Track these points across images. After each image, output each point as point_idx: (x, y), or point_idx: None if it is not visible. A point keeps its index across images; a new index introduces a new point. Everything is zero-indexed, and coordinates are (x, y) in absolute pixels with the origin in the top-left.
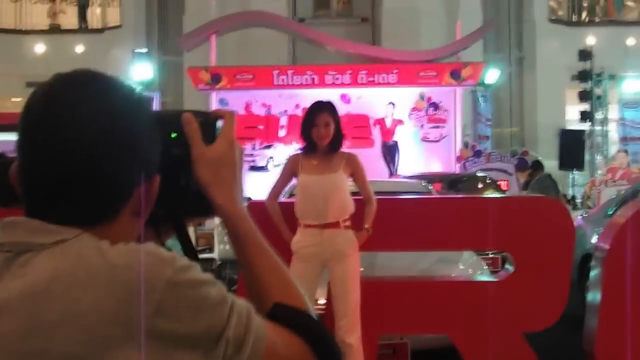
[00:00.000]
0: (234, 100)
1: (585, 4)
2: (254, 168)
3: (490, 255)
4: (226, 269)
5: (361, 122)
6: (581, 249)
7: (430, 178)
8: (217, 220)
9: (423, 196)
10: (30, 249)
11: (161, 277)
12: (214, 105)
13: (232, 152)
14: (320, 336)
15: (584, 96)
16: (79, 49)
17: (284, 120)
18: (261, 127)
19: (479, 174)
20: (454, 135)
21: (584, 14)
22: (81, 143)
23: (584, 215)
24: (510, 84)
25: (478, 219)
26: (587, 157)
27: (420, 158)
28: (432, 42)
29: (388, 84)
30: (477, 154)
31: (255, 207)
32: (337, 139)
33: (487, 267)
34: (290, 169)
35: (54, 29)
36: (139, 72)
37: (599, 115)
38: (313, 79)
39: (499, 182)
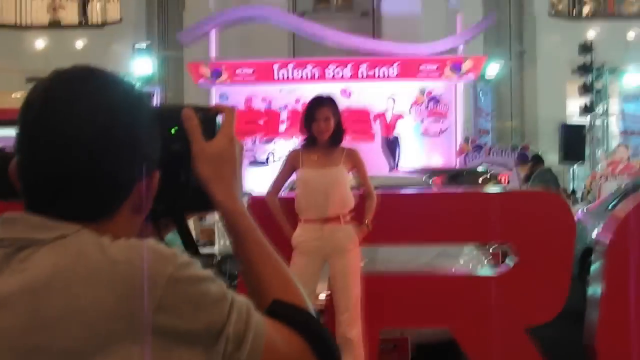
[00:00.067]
0: (235, 95)
1: None
2: (255, 163)
3: (491, 250)
4: (227, 264)
5: (362, 117)
6: (582, 243)
7: (430, 172)
8: (217, 215)
9: (423, 190)
10: (30, 244)
11: (162, 273)
12: (215, 100)
13: (232, 148)
14: (319, 334)
15: (584, 90)
16: (79, 44)
17: (284, 115)
18: (262, 121)
19: (480, 168)
20: (454, 130)
21: (584, 8)
22: (81, 139)
23: (585, 209)
24: (510, 77)
25: (478, 213)
26: (587, 151)
27: (420, 152)
28: (432, 36)
29: (388, 77)
30: (478, 148)
31: (256, 202)
32: (338, 134)
33: (487, 261)
34: (291, 164)
35: (54, 24)
36: (139, 67)
37: (599, 109)
38: (313, 73)
39: (499, 177)
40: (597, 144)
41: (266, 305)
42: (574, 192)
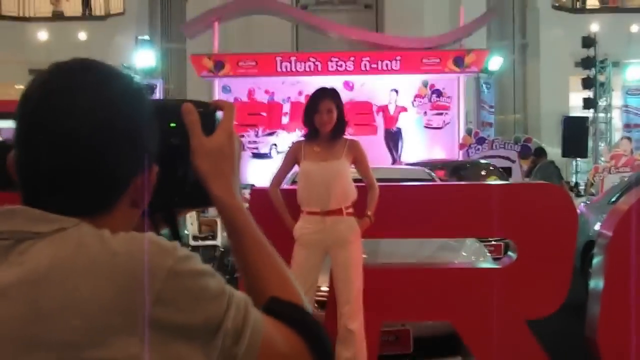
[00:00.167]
0: (237, 87)
1: None
2: (257, 155)
3: (493, 242)
4: (229, 256)
5: (364, 109)
6: (584, 236)
7: (433, 165)
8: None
9: (426, 183)
10: (29, 237)
11: (162, 266)
12: (217, 92)
13: (232, 144)
14: (315, 332)
15: (587, 83)
16: (82, 36)
17: (287, 107)
18: (264, 114)
19: (482, 161)
20: (457, 122)
21: (587, 1)
22: (80, 132)
23: (587, 202)
24: (513, 71)
25: (481, 206)
26: (590, 144)
27: (423, 145)
28: (435, 29)
29: (391, 71)
30: (480, 141)
31: (258, 194)
32: (340, 126)
33: (489, 254)
34: (293, 156)
35: (57, 16)
36: (142, 59)
37: (602, 102)
38: (316, 65)
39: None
40: (600, 137)
41: (263, 302)
42: (576, 185)
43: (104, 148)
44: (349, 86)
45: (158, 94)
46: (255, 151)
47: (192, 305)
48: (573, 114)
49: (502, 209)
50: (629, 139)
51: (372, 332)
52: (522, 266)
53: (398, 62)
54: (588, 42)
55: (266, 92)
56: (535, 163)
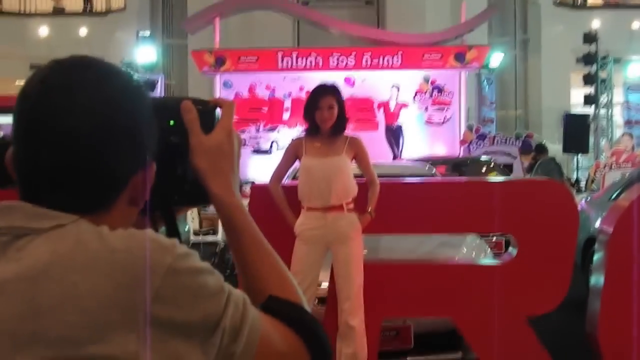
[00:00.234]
0: (238, 83)
1: None
2: (258, 151)
3: (494, 239)
4: (229, 252)
5: (365, 105)
6: (585, 232)
7: (434, 161)
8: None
9: (427, 179)
10: (27, 233)
11: (161, 263)
12: (218, 88)
13: (231, 142)
14: (313, 331)
15: (588, 79)
16: (83, 31)
17: (288, 103)
18: (265, 109)
19: (483, 157)
20: (458, 118)
21: None
22: (79, 129)
23: (588, 198)
24: (514, 67)
25: (482, 202)
26: (591, 140)
27: (424, 141)
28: (436, 24)
29: (392, 66)
30: (481, 137)
31: (259, 190)
32: (341, 122)
33: (490, 250)
34: (293, 152)
35: (58, 12)
36: (143, 55)
37: (603, 99)
38: (317, 61)
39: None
40: (601, 133)
41: (261, 300)
42: (577, 181)
43: (104, 146)
44: (350, 82)
45: (159, 90)
46: (256, 147)
47: (190, 303)
48: (574, 110)
49: (503, 205)
50: (630, 135)
51: (372, 328)
52: (523, 263)
53: (399, 57)
54: (589, 38)
55: (267, 87)
56: (536, 159)
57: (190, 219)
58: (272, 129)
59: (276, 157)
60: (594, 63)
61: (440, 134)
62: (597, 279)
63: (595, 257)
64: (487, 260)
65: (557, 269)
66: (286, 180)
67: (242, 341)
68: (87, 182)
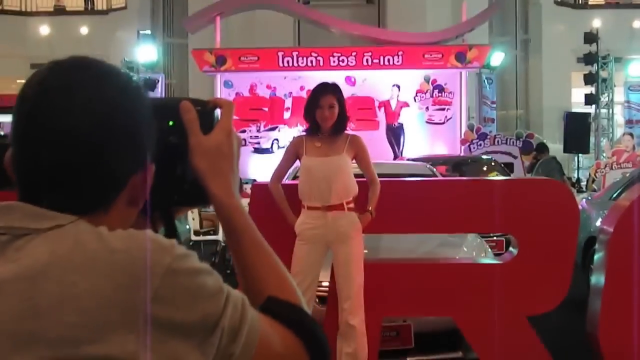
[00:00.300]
0: (239, 82)
1: None
2: (259, 150)
3: (495, 238)
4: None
5: (366, 105)
6: (585, 231)
7: (434, 160)
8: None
9: (427, 178)
10: (26, 233)
11: (161, 263)
12: (219, 87)
13: (230, 142)
14: (312, 332)
15: (589, 79)
16: (84, 30)
17: (288, 102)
18: (266, 109)
19: (484, 156)
20: (459, 118)
21: None
22: (78, 130)
23: (589, 198)
24: (515, 66)
25: (482, 202)
26: (592, 140)
27: (425, 140)
28: (437, 24)
29: (393, 66)
30: (482, 136)
31: (259, 189)
32: (341, 121)
33: (491, 249)
34: (294, 151)
35: (59, 10)
36: (144, 54)
37: (604, 98)
38: (318, 61)
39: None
40: (602, 133)
41: (261, 301)
42: (578, 181)
43: (103, 146)
44: (350, 81)
45: (160, 89)
46: (256, 146)
47: (189, 303)
48: (575, 109)
49: (503, 204)
50: (631, 135)
51: (373, 327)
52: (524, 262)
53: (400, 57)
54: (590, 37)
55: (268, 87)
56: (537, 159)
57: (191, 219)
58: (273, 129)
59: (277, 156)
60: (595, 62)
61: (441, 134)
62: (597, 279)
63: (596, 256)
64: (488, 259)
65: (557, 269)
66: (287, 180)
67: (241, 342)
68: (87, 182)
